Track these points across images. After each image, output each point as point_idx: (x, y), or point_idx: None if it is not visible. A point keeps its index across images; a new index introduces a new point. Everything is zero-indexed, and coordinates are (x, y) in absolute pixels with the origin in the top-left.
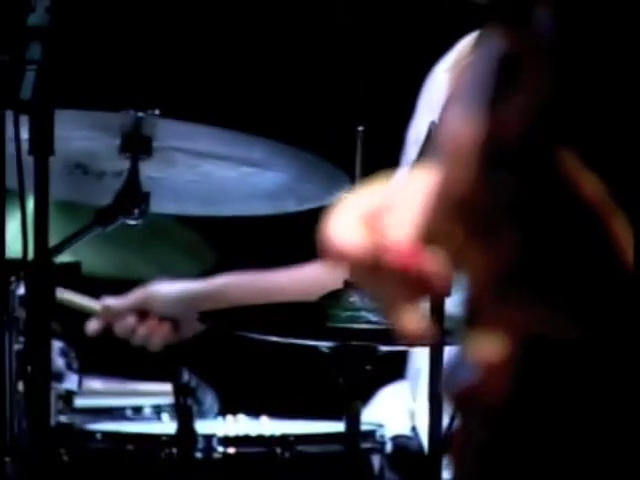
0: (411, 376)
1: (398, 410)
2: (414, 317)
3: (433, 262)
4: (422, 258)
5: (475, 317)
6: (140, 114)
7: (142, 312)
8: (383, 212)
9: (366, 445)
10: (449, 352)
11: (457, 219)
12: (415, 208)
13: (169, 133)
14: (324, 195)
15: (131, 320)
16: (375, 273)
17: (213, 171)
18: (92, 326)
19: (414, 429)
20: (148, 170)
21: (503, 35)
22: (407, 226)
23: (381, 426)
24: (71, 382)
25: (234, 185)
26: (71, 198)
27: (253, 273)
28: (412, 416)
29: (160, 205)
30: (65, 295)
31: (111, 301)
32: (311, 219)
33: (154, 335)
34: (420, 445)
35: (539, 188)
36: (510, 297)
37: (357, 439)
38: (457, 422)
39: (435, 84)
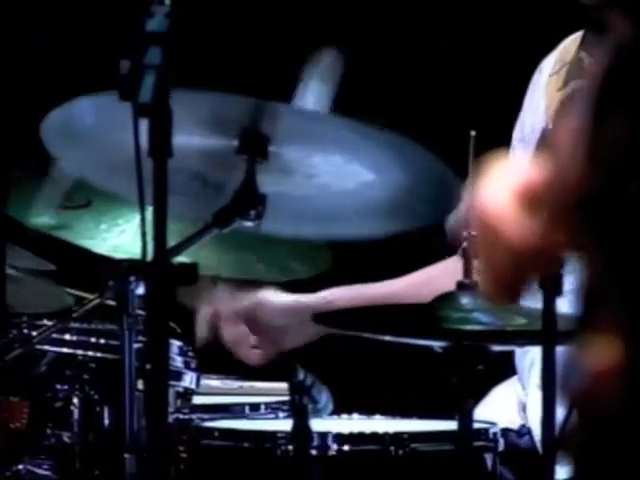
0: (522, 369)
1: (509, 407)
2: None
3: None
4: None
5: (589, 319)
6: (260, 102)
7: (249, 320)
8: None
9: (479, 443)
10: (562, 351)
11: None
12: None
13: (289, 132)
14: (436, 211)
15: (243, 329)
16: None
17: (331, 183)
18: (201, 332)
19: (524, 426)
20: (266, 183)
21: (628, 26)
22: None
23: (494, 424)
24: (189, 380)
25: (350, 200)
26: (193, 213)
27: (361, 285)
28: (523, 408)
29: (275, 226)
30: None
31: (222, 306)
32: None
33: (260, 349)
34: (531, 442)
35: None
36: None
37: (470, 437)
38: (573, 421)
39: (538, 84)
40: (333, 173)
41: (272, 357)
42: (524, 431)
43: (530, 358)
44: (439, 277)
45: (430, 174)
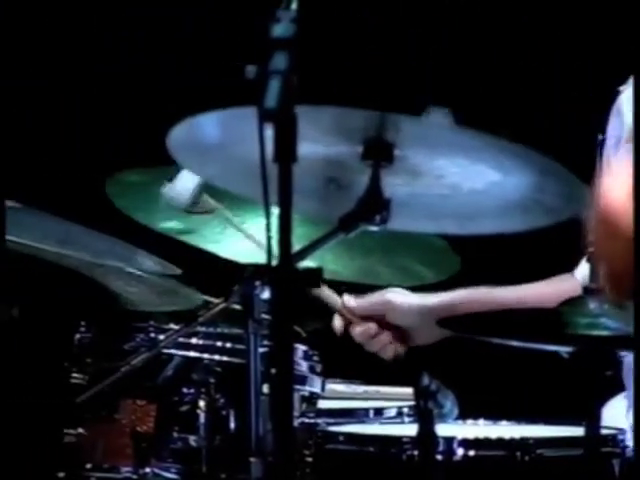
0: (629, 385)
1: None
2: None
3: None
4: None
5: None
6: (383, 114)
7: (376, 319)
8: None
9: (606, 449)
10: None
11: None
12: None
13: (412, 138)
14: (566, 205)
15: (372, 326)
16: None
17: (460, 183)
18: (338, 324)
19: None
20: (395, 185)
21: None
22: None
23: (622, 430)
24: (315, 385)
25: (482, 198)
26: (327, 214)
27: (489, 289)
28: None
29: (415, 224)
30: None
31: (353, 303)
32: (555, 230)
33: (391, 345)
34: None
35: None
36: None
37: (597, 443)
38: None
39: (618, 107)
40: (460, 174)
41: (401, 353)
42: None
43: None
44: (568, 291)
45: (554, 174)
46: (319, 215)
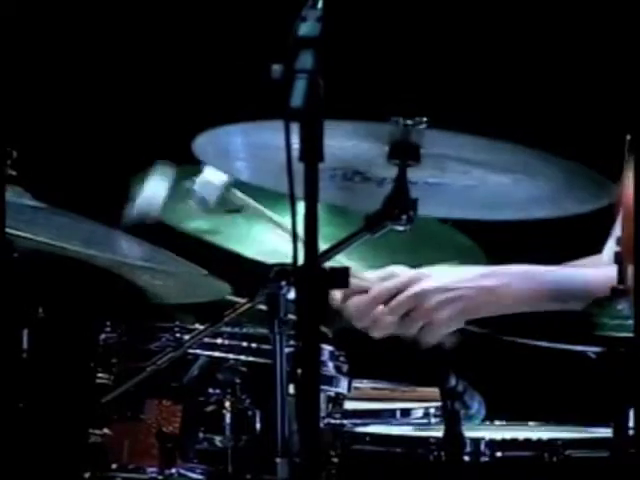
0: None
1: None
2: None
3: None
4: None
5: None
6: (408, 122)
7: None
8: None
9: (634, 450)
10: None
11: None
12: None
13: (436, 141)
14: (592, 201)
15: (368, 296)
16: None
17: (486, 177)
18: (338, 295)
19: None
20: (423, 176)
21: None
22: None
23: None
24: (341, 385)
25: (509, 190)
26: (351, 205)
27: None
28: None
29: (443, 211)
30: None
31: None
32: (581, 225)
33: (385, 320)
34: None
35: None
36: None
37: (626, 445)
38: None
39: None
40: (487, 170)
41: (395, 331)
42: None
43: None
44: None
45: (581, 174)
46: (342, 205)
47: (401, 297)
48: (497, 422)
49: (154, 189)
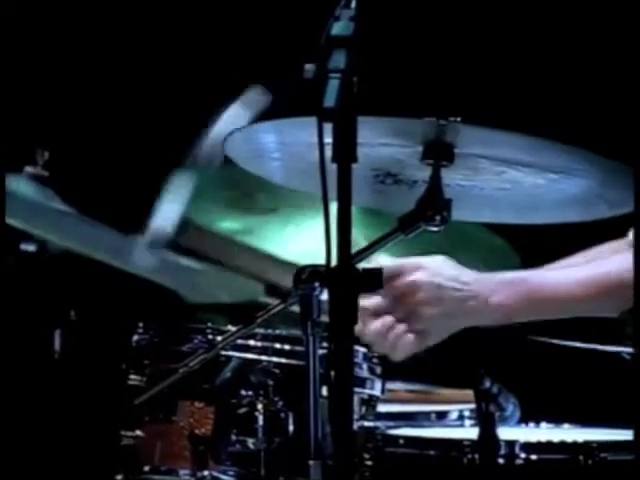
0: None
1: None
2: None
3: None
4: None
5: None
6: (442, 122)
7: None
8: None
9: None
10: None
11: None
12: None
13: (471, 140)
14: (632, 201)
15: (389, 318)
16: None
17: (521, 178)
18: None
19: None
20: (456, 178)
21: None
22: None
23: None
24: (374, 387)
25: (544, 192)
26: (383, 207)
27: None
28: None
29: (473, 214)
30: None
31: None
32: (612, 227)
33: (407, 339)
34: None
35: None
36: None
37: None
38: None
39: None
40: (522, 170)
41: (416, 351)
42: None
43: None
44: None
45: (618, 172)
46: (374, 207)
47: (396, 282)
48: (532, 424)
49: (169, 208)
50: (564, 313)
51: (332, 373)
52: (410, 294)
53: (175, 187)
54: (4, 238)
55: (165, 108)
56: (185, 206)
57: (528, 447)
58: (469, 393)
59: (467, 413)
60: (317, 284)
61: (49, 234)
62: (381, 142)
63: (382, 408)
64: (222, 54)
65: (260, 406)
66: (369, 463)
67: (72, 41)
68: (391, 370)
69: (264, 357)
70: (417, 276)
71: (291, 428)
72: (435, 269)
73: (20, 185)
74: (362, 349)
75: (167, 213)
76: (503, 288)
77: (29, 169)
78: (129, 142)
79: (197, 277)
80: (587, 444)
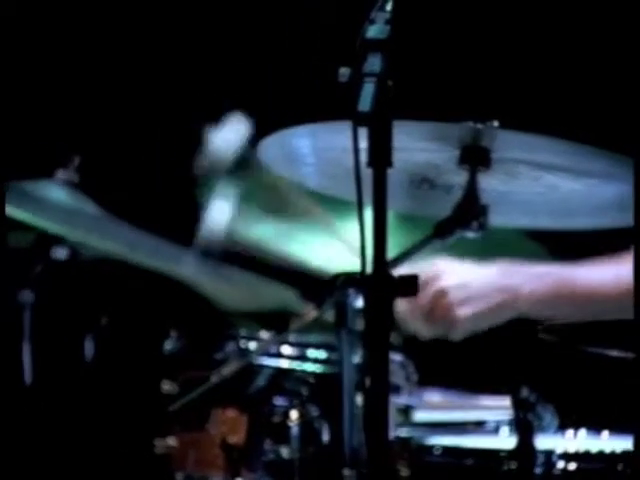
0: None
1: None
2: None
3: None
4: None
5: None
6: (479, 126)
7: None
8: None
9: None
10: None
11: None
12: None
13: (509, 144)
14: None
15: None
16: None
17: (558, 183)
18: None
19: None
20: (492, 184)
21: None
22: None
23: None
24: (410, 395)
25: (580, 197)
26: (418, 212)
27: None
28: None
29: (509, 219)
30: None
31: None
32: None
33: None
34: None
35: None
36: None
37: None
38: None
39: None
40: (557, 175)
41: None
42: None
43: None
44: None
45: None
46: (409, 213)
47: (421, 297)
48: (570, 433)
49: (218, 212)
50: (595, 310)
51: (367, 381)
52: (439, 303)
53: (222, 194)
54: (35, 246)
55: (195, 110)
56: (233, 213)
57: (566, 456)
58: (506, 402)
59: (505, 422)
60: (351, 291)
61: (86, 237)
62: (417, 147)
63: (418, 416)
64: (233, 62)
65: (294, 414)
66: (405, 473)
67: (97, 43)
68: (428, 378)
69: (298, 365)
70: (441, 283)
71: (325, 437)
72: (456, 270)
73: (52, 190)
74: (398, 357)
75: (217, 221)
76: (533, 280)
77: (61, 174)
78: (155, 145)
79: (234, 284)
80: (626, 453)
